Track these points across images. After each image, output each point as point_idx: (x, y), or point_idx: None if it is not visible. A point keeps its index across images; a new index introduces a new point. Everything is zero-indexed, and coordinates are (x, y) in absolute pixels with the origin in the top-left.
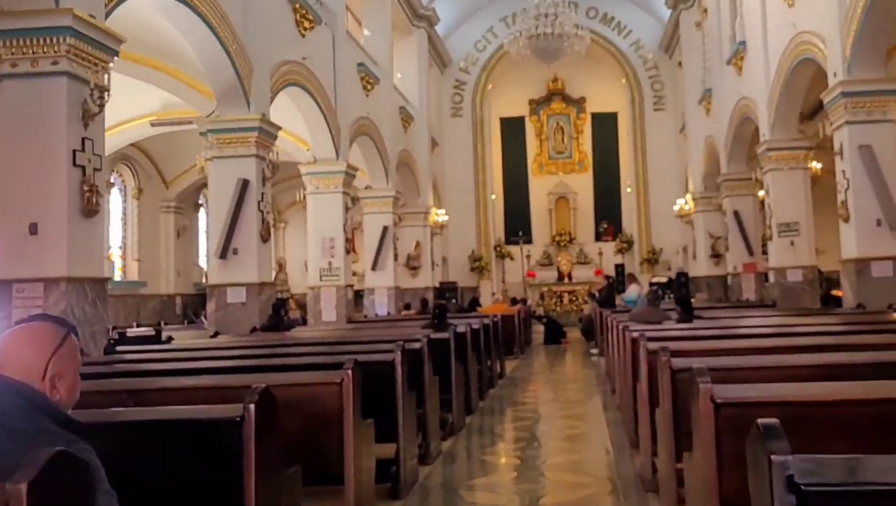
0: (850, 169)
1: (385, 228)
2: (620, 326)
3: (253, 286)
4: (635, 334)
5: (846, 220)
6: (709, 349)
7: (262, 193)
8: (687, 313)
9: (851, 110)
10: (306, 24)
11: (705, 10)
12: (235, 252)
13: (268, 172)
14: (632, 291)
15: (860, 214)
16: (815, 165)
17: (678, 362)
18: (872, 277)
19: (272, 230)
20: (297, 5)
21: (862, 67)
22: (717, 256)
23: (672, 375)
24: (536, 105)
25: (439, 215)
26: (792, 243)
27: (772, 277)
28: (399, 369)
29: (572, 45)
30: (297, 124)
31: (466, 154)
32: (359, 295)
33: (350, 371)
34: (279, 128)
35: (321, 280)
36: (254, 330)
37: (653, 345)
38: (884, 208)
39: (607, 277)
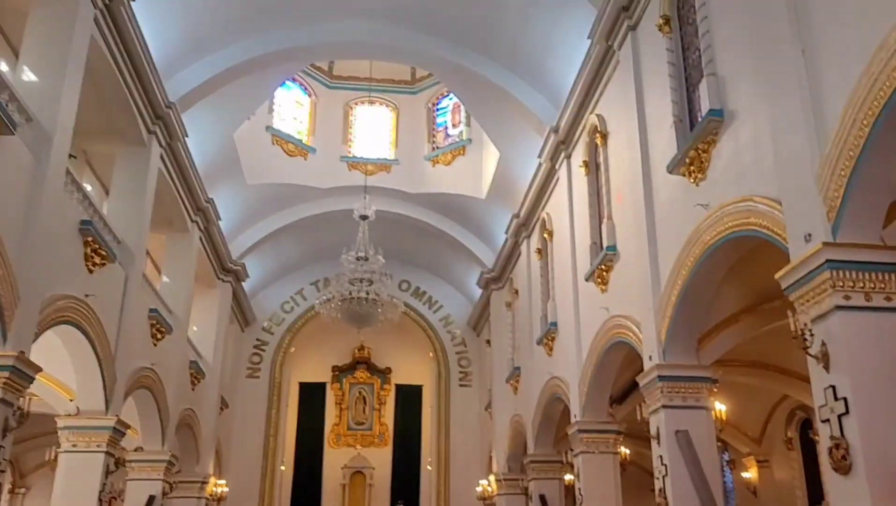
0: (667, 455)
1: (151, 498)
2: None
3: None
4: None
5: None
6: None
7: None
8: None
9: (668, 394)
10: (97, 260)
11: (516, 291)
12: None
13: (12, 422)
14: None
15: (679, 503)
16: (624, 451)
17: None
18: None
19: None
20: (90, 238)
21: (677, 353)
22: None
23: None
24: (340, 372)
25: (219, 486)
26: None
27: None
28: None
29: (385, 312)
30: (62, 369)
31: (258, 418)
32: None
33: None
34: (39, 369)
35: None
36: None
37: None
38: (701, 497)
39: None
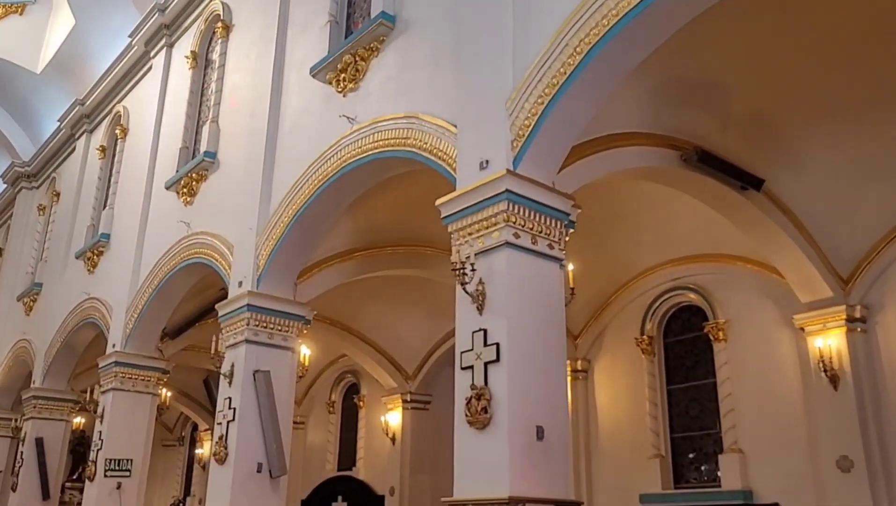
0: (239, 396)
1: None
2: None
3: None
4: None
5: None
6: None
7: None
8: None
9: (254, 328)
10: None
11: (57, 194)
12: None
13: None
14: None
15: (244, 452)
16: (165, 393)
17: None
18: None
19: None
20: None
21: (273, 284)
22: None
23: None
24: None
25: None
26: (119, 486)
27: None
28: None
29: None
30: None
31: None
32: None
33: None
34: None
35: None
36: None
37: None
38: (269, 447)
39: None
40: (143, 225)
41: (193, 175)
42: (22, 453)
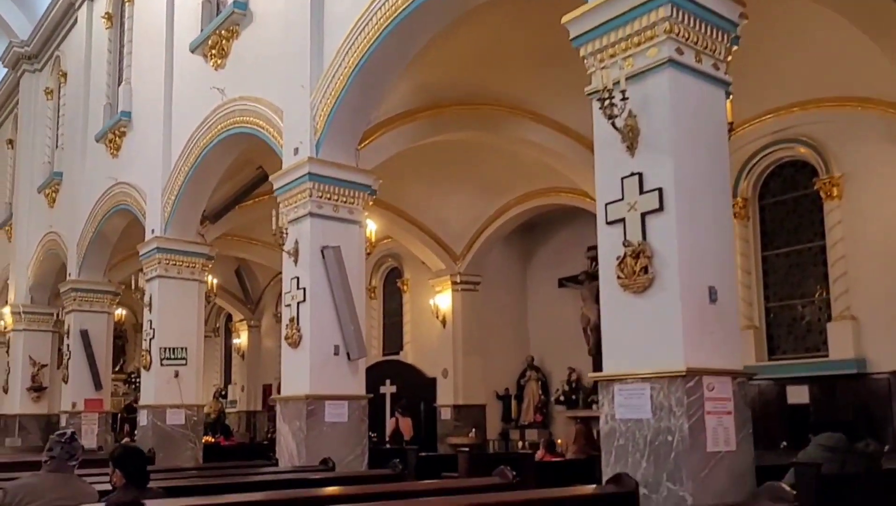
0: (308, 276)
1: None
2: None
3: None
4: None
5: None
6: None
7: None
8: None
9: (317, 200)
10: None
11: (64, 75)
12: None
13: None
14: None
15: (319, 333)
16: (212, 280)
17: None
18: None
19: None
20: None
21: (334, 149)
22: (38, 389)
23: None
24: None
25: None
26: (177, 375)
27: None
28: None
29: None
30: None
31: None
32: None
33: None
34: None
35: None
36: None
37: None
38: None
39: None
40: (169, 97)
41: (222, 32)
42: (68, 345)
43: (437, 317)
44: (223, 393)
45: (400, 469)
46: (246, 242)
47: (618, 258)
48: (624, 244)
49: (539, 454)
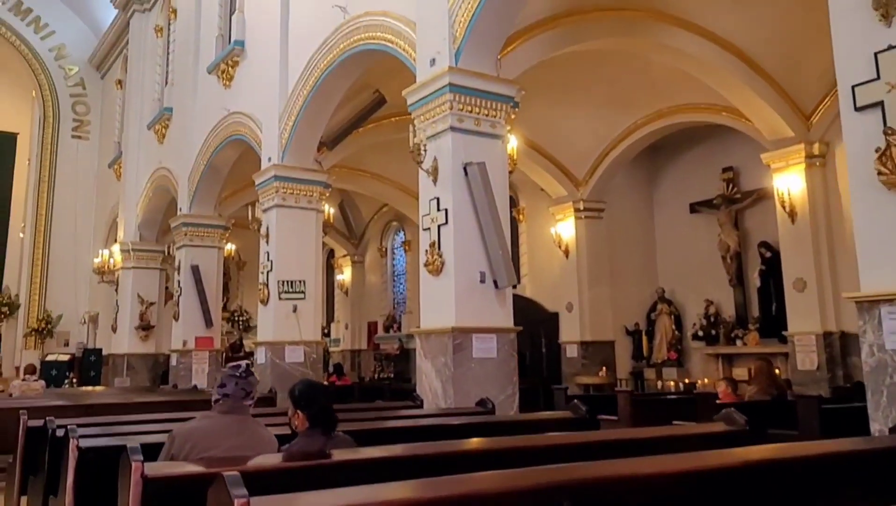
0: (451, 197)
1: None
2: None
3: None
4: None
5: None
6: None
7: None
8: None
9: (458, 114)
10: None
11: (174, 11)
12: None
13: None
14: None
15: (463, 255)
16: (329, 211)
17: None
18: None
19: None
20: None
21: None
22: (146, 328)
23: None
24: None
25: None
26: (295, 309)
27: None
28: None
29: None
30: None
31: None
32: None
33: None
34: None
35: None
36: None
37: None
38: (492, 245)
39: None
40: (285, 21)
41: None
42: (179, 281)
43: (560, 247)
44: (326, 331)
45: (583, 412)
46: (354, 172)
47: (877, 150)
48: (885, 133)
49: (722, 394)
